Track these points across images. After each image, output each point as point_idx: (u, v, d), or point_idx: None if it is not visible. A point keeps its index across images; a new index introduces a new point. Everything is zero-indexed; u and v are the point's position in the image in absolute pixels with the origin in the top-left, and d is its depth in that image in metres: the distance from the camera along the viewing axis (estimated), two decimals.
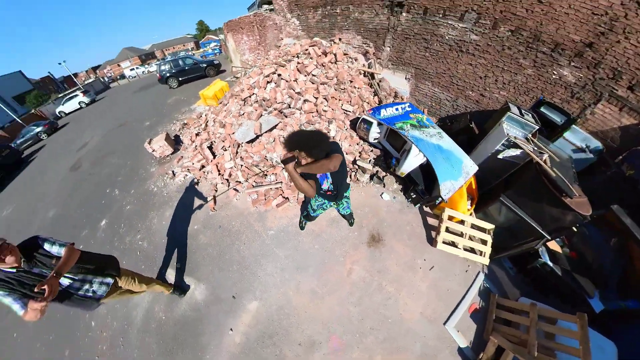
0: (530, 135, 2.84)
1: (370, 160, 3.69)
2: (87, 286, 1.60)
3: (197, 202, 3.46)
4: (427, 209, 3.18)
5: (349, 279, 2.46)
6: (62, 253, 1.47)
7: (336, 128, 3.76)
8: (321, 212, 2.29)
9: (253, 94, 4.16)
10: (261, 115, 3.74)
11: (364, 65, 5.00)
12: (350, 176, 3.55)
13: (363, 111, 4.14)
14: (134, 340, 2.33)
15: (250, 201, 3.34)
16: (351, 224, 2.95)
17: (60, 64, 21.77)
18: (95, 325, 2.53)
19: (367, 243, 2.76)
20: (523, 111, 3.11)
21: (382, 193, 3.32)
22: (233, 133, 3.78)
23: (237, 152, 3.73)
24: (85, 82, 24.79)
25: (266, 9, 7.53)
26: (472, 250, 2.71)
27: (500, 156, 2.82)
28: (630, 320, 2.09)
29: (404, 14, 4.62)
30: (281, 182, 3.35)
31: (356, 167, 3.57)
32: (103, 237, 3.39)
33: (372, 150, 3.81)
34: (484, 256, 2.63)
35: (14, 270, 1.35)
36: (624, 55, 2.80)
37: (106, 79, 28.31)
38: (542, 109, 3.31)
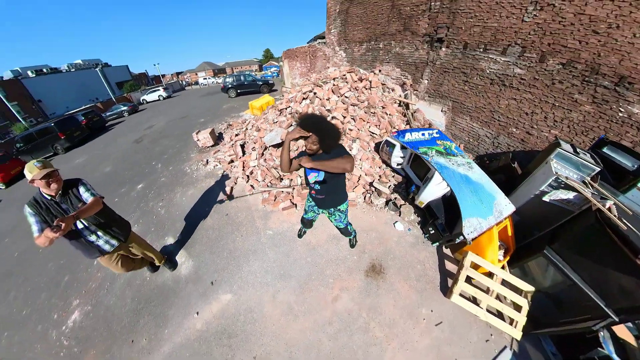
0: (588, 179, 2.26)
1: (389, 186, 3.43)
2: (94, 237, 1.72)
3: (217, 189, 3.81)
4: (447, 251, 2.67)
5: (333, 306, 2.12)
6: (89, 200, 1.62)
7: (359, 147, 3.70)
8: (312, 216, 2.15)
9: (289, 106, 4.49)
10: (291, 125, 4.00)
11: (400, 95, 5.09)
12: (365, 197, 3.33)
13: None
14: (117, 289, 2.51)
15: (261, 199, 3.40)
16: (352, 246, 2.66)
17: (155, 65, 28.00)
18: (96, 265, 2.80)
19: (365, 272, 2.41)
20: (578, 150, 2.50)
21: (396, 222, 2.98)
22: (263, 137, 4.12)
23: (262, 154, 3.96)
24: (168, 82, 31.49)
25: (319, 42, 8.70)
26: (500, 315, 2.07)
27: (546, 198, 2.29)
28: None
29: (443, 49, 4.64)
30: (293, 187, 3.35)
31: (372, 189, 3.36)
32: (135, 196, 4.03)
33: (393, 176, 3.57)
34: (516, 327, 1.96)
35: (49, 197, 1.53)
36: None
37: (184, 83, 34.82)
38: (605, 150, 2.62)
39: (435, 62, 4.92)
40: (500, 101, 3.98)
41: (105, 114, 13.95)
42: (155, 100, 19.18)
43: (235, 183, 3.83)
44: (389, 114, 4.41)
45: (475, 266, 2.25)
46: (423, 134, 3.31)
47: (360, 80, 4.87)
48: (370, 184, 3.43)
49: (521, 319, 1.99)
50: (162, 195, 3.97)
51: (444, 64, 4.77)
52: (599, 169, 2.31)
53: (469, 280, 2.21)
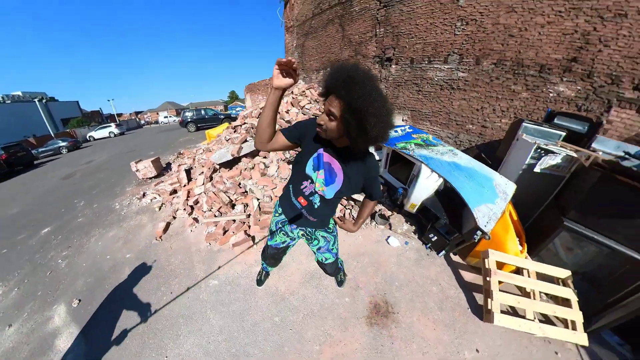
0: (559, 143, 2.30)
1: None
2: None
3: (149, 228, 2.79)
4: (457, 259, 2.12)
5: None
6: None
7: None
8: (282, 241, 1.22)
9: (244, 123, 4.03)
10: (245, 140, 3.42)
11: None
12: (344, 214, 2.61)
13: None
14: None
15: (205, 235, 2.43)
16: (340, 283, 1.80)
17: (109, 100, 24.78)
18: None
19: (367, 318, 1.57)
20: (538, 123, 2.68)
21: (389, 237, 2.34)
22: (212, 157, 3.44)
23: (210, 177, 3.13)
24: (125, 120, 28.02)
25: None
26: (550, 322, 1.56)
27: (537, 169, 2.13)
28: None
29: (393, 66, 5.11)
30: (249, 214, 2.48)
31: (351, 203, 2.71)
32: (33, 244, 2.99)
33: None
34: (576, 329, 1.48)
35: None
36: (612, 60, 2.73)
37: (143, 122, 31.94)
38: (556, 121, 2.86)
39: (388, 78, 5.33)
40: (452, 103, 4.27)
41: (38, 150, 12.11)
42: (105, 137, 17.23)
43: (174, 217, 2.88)
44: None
45: (499, 265, 1.74)
46: (396, 131, 3.04)
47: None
48: (349, 198, 2.81)
49: (577, 316, 1.51)
50: (70, 241, 2.89)
51: (396, 79, 5.18)
52: (564, 134, 2.44)
53: (500, 287, 1.62)
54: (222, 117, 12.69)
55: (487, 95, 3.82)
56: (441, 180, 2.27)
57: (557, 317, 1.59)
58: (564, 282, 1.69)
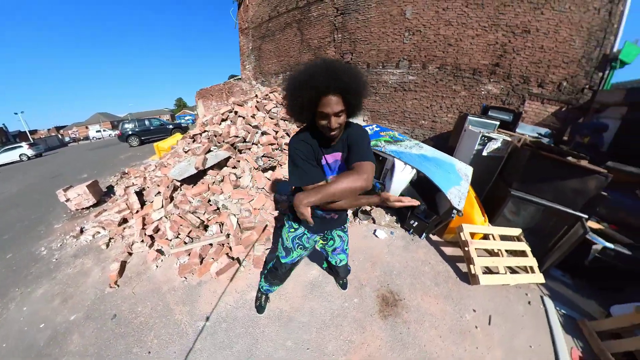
0: (497, 131, 2.91)
1: None
2: None
3: (94, 272, 2.12)
4: (436, 238, 2.36)
5: None
6: None
7: None
8: (298, 255, 1.18)
9: (205, 131, 3.43)
10: (209, 150, 2.99)
11: None
12: None
13: None
14: None
15: (177, 268, 1.97)
16: (344, 285, 1.75)
17: (17, 114, 18.03)
18: None
19: (380, 312, 1.59)
20: (478, 116, 3.38)
21: (375, 230, 2.44)
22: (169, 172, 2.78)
23: (171, 198, 2.58)
24: (41, 138, 21.11)
25: (235, 78, 8.47)
26: (516, 272, 1.93)
27: (484, 153, 2.59)
28: None
29: None
30: (228, 233, 2.11)
31: None
32: None
33: None
34: (535, 271, 1.91)
35: None
36: (523, 65, 3.67)
37: (68, 139, 25.77)
38: (490, 113, 3.67)
39: None
40: (406, 103, 4.81)
41: None
42: (13, 162, 12.93)
43: (130, 253, 2.27)
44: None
45: (472, 235, 2.02)
46: None
47: (285, 98, 4.77)
48: None
49: (533, 262, 1.90)
50: None
51: None
52: (498, 123, 3.07)
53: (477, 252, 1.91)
54: (170, 127, 11.18)
55: (434, 94, 4.47)
56: (414, 171, 2.52)
57: (519, 267, 1.97)
58: (518, 239, 2.07)
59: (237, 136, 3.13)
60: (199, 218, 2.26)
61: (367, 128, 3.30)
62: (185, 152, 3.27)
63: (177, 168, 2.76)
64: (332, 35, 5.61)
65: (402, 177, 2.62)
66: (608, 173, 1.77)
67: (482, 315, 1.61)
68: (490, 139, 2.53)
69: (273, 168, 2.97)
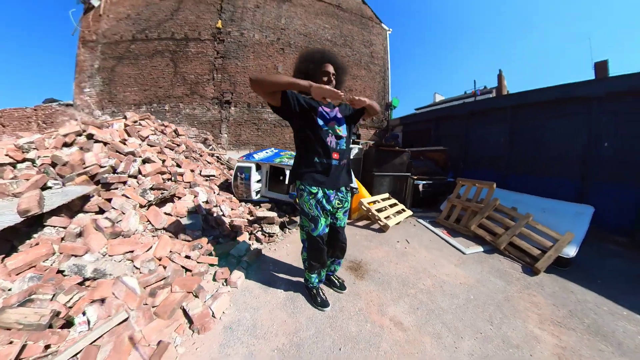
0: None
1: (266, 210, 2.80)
2: None
3: None
4: (348, 221, 2.88)
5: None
6: None
7: (204, 191, 2.61)
8: (326, 224, 1.23)
9: (24, 159, 1.84)
10: (44, 185, 1.67)
11: (207, 152, 4.65)
12: (257, 239, 2.23)
13: (227, 177, 3.52)
14: None
15: None
16: (342, 286, 1.58)
17: None
18: None
19: (357, 277, 1.76)
20: None
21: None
22: None
23: None
24: None
25: (59, 103, 5.20)
26: (399, 213, 3.07)
27: (351, 157, 3.92)
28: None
29: (232, 108, 5.63)
30: (126, 316, 1.18)
31: (257, 227, 2.36)
32: None
33: (259, 207, 2.94)
34: (406, 210, 3.22)
35: None
36: None
37: None
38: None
39: (229, 118, 5.70)
40: (285, 136, 5.94)
41: None
42: None
43: None
44: (210, 162, 3.92)
45: (369, 204, 2.89)
46: (267, 152, 3.46)
47: (165, 126, 3.68)
48: (251, 223, 2.44)
49: (402, 206, 3.26)
50: None
51: (236, 119, 5.72)
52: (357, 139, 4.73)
53: (378, 211, 2.92)
54: None
55: None
56: None
57: (398, 211, 3.14)
58: (389, 198, 3.31)
59: (100, 165, 2.06)
60: (42, 309, 1.05)
61: (267, 150, 3.65)
62: None
63: None
64: (212, 74, 5.68)
65: None
66: (408, 151, 3.62)
67: (402, 242, 2.43)
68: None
69: (171, 199, 2.16)
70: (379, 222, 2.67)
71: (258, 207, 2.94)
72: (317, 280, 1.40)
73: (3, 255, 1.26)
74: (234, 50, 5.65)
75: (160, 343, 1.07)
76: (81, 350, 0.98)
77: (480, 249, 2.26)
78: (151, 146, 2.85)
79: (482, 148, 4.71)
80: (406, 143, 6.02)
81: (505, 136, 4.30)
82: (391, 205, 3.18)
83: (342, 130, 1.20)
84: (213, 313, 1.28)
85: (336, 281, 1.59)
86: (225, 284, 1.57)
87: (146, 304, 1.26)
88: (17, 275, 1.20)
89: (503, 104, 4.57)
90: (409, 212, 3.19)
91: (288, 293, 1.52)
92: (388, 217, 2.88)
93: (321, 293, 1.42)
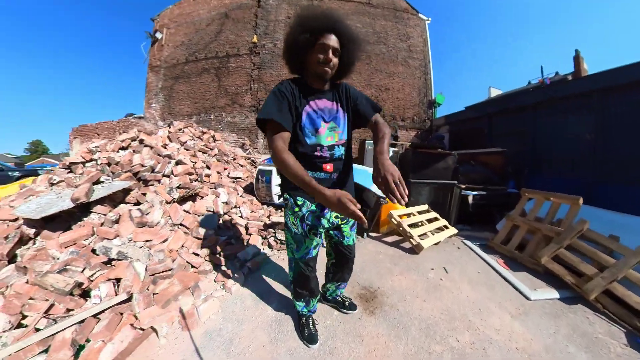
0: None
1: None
2: None
3: None
4: (374, 234, 2.57)
5: None
6: None
7: (227, 192, 2.70)
8: (313, 245, 0.97)
9: (91, 159, 2.32)
10: (98, 180, 1.96)
11: (241, 156, 4.86)
12: (269, 245, 2.13)
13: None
14: None
15: None
16: (352, 306, 1.35)
17: None
18: None
19: (365, 311, 1.37)
20: None
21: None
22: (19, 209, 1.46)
23: (12, 257, 1.32)
24: None
25: (134, 117, 6.73)
26: (440, 230, 2.49)
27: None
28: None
29: None
30: (129, 294, 1.29)
31: (271, 232, 2.29)
32: None
33: (281, 210, 2.86)
34: (449, 227, 2.56)
35: None
36: (390, 109, 5.82)
37: None
38: None
39: None
40: None
41: None
42: None
43: None
44: (242, 165, 4.06)
45: (399, 217, 2.41)
46: None
47: (203, 133, 4.05)
48: (266, 228, 2.36)
49: (444, 222, 2.62)
50: None
51: None
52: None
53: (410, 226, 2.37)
54: (17, 174, 6.94)
55: None
56: None
57: (438, 228, 2.53)
58: (428, 210, 2.73)
59: (143, 165, 2.32)
60: (71, 278, 1.28)
61: None
62: (54, 184, 1.98)
63: (32, 203, 1.59)
64: (249, 84, 6.12)
65: None
66: (455, 153, 2.93)
67: (438, 270, 1.88)
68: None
69: (193, 198, 2.32)
70: (410, 240, 2.17)
71: (280, 210, 2.88)
72: (305, 310, 1.17)
73: (60, 232, 1.56)
74: (269, 60, 6.00)
75: (145, 330, 1.15)
76: (84, 320, 1.14)
77: (555, 294, 1.53)
78: (187, 150, 3.07)
79: (555, 148, 3.53)
80: (454, 145, 5.17)
81: (590, 131, 3.12)
82: (430, 220, 2.61)
83: (340, 134, 0.93)
84: (199, 315, 1.27)
85: (343, 301, 1.36)
86: (222, 287, 1.54)
87: (148, 290, 1.35)
88: (65, 248, 1.47)
89: (586, 87, 3.32)
90: (452, 230, 2.54)
91: (278, 313, 1.35)
92: (424, 234, 2.36)
93: (311, 324, 1.18)
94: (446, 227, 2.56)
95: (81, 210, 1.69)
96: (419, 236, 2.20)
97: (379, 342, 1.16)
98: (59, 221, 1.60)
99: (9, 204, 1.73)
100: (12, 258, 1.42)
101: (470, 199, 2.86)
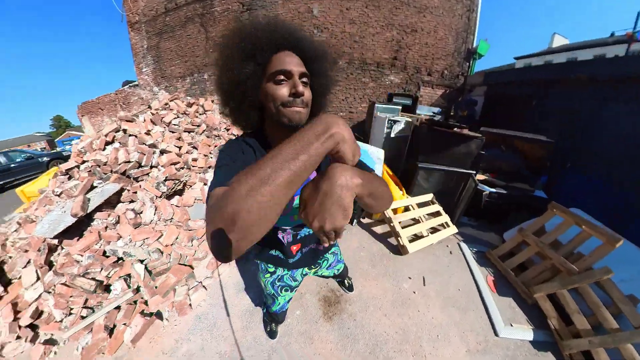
0: (399, 113, 3.39)
1: None
2: None
3: None
4: (366, 220, 2.47)
5: None
6: None
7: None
8: (287, 300, 1.01)
9: (83, 161, 2.50)
10: (91, 187, 2.17)
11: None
12: None
13: None
14: None
15: (80, 354, 1.41)
16: (350, 287, 1.63)
17: None
18: None
19: (324, 315, 1.50)
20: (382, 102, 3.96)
21: None
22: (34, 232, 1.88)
23: (49, 264, 1.79)
24: None
25: (130, 86, 6.53)
26: (436, 230, 2.26)
27: (392, 135, 2.96)
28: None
29: None
30: (137, 287, 1.67)
31: None
32: None
33: None
34: (449, 225, 2.31)
35: None
36: (415, 58, 4.43)
37: None
38: (394, 100, 4.30)
39: None
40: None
41: None
42: None
43: None
44: (236, 135, 3.91)
45: (394, 211, 2.27)
46: None
47: (190, 105, 3.78)
48: None
49: (446, 218, 2.33)
50: None
51: None
52: (400, 107, 3.53)
53: (401, 225, 2.17)
54: (46, 159, 8.18)
55: (347, 87, 4.82)
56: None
57: (438, 226, 2.34)
58: (432, 202, 2.49)
59: (128, 161, 2.36)
60: (94, 279, 1.68)
61: None
62: (58, 195, 2.24)
63: (44, 222, 1.93)
64: None
65: None
66: (482, 137, 2.32)
67: (417, 279, 1.79)
68: (395, 122, 2.82)
69: (180, 192, 2.38)
70: (398, 239, 2.08)
71: None
72: (269, 317, 1.35)
73: (77, 237, 1.90)
74: None
75: (151, 315, 1.56)
76: (108, 312, 1.55)
77: (529, 335, 1.38)
78: (172, 132, 2.99)
79: (617, 145, 2.36)
80: (487, 115, 4.00)
81: None
82: (430, 215, 2.41)
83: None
84: (190, 303, 1.63)
85: (345, 281, 1.63)
86: (212, 274, 1.82)
87: (150, 284, 1.71)
88: (83, 253, 1.82)
89: None
90: (451, 230, 2.29)
91: (252, 304, 1.60)
92: (418, 235, 2.21)
93: (273, 324, 1.39)
94: (447, 224, 2.34)
95: (87, 217, 1.99)
96: (409, 237, 2.09)
97: (325, 347, 1.35)
98: (72, 230, 1.90)
99: (33, 213, 2.01)
100: (49, 265, 1.77)
101: (485, 194, 2.40)
